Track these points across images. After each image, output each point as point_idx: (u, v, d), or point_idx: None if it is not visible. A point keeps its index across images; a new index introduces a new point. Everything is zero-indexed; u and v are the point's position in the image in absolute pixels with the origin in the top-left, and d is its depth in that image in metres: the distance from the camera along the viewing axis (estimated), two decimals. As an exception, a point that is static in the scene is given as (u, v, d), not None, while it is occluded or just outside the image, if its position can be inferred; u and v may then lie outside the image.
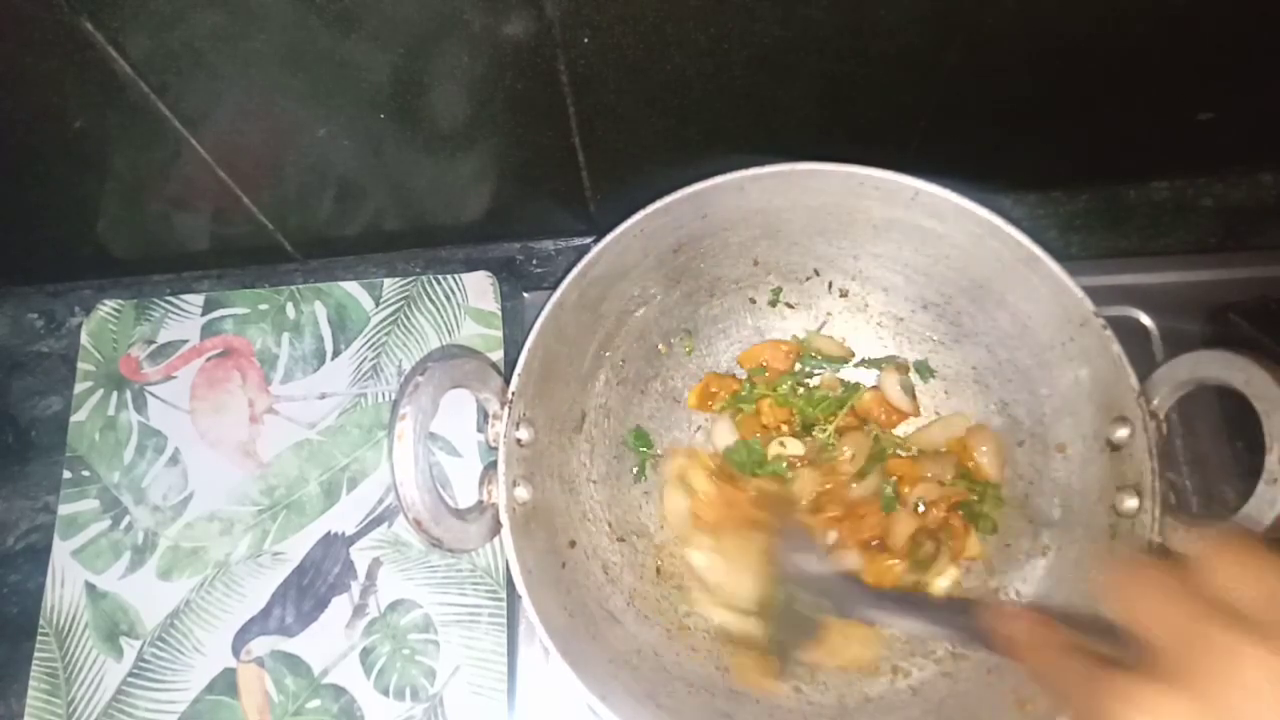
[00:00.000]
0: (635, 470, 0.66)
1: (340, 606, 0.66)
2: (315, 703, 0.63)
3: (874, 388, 0.66)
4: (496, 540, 0.53)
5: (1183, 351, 0.51)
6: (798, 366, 0.67)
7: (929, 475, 0.63)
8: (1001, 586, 0.60)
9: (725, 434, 0.66)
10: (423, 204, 0.72)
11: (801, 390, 0.66)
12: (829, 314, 0.68)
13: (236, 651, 0.65)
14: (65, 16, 0.50)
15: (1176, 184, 0.76)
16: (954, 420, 0.64)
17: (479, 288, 0.75)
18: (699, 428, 0.68)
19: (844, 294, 0.67)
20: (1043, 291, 0.55)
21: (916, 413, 0.65)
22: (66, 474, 0.70)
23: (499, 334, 0.73)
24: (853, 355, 0.67)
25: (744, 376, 0.67)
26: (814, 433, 0.65)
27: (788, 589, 0.57)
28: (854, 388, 0.66)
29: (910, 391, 0.65)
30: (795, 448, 0.64)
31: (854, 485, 0.63)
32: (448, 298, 0.74)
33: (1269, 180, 0.76)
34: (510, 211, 0.74)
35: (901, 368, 0.66)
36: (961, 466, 0.63)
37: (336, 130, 0.62)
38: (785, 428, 0.65)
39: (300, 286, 0.76)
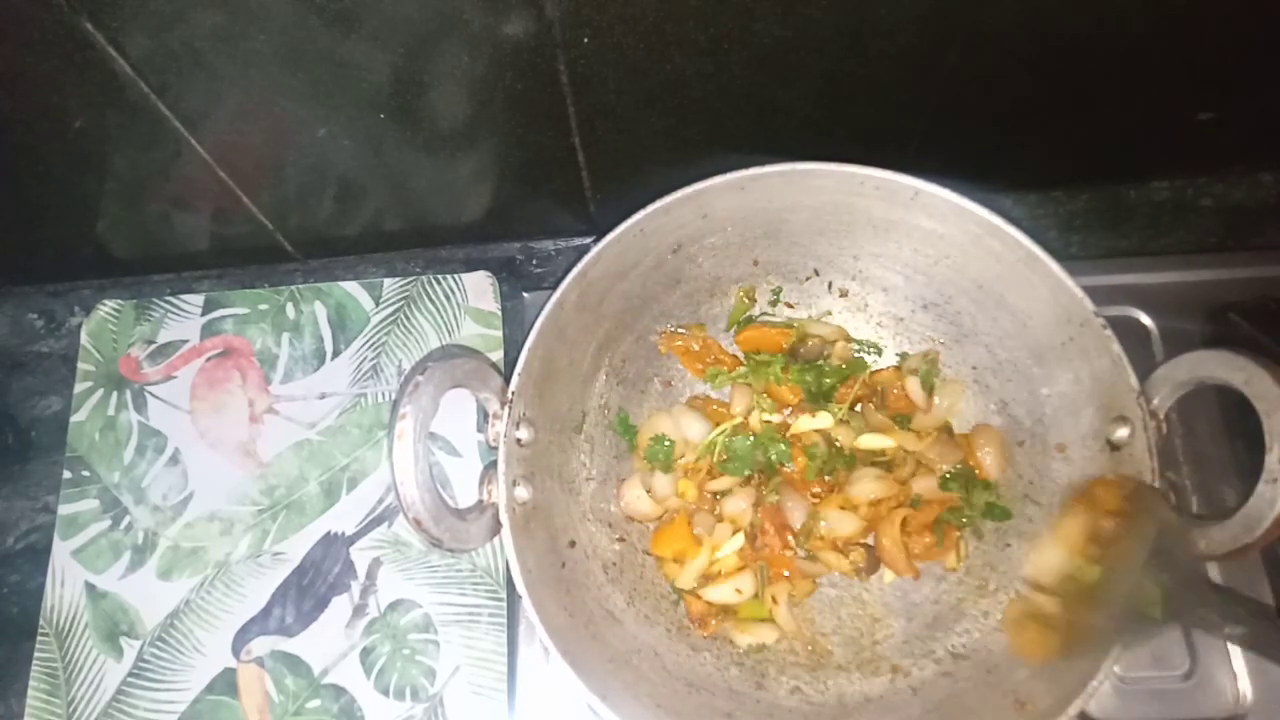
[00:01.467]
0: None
1: (340, 606, 0.66)
2: (315, 703, 0.63)
3: (895, 367, 0.66)
4: (496, 540, 0.53)
5: (1183, 351, 0.51)
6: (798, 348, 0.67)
7: (934, 458, 0.63)
8: (1001, 586, 0.60)
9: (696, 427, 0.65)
10: (423, 204, 0.72)
11: (803, 367, 0.65)
12: (829, 313, 0.68)
13: (236, 651, 0.65)
14: (65, 16, 0.50)
15: (1176, 184, 0.76)
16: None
17: (479, 288, 0.75)
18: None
19: (844, 294, 0.67)
20: (1043, 291, 0.55)
21: (928, 409, 0.64)
22: (66, 474, 0.70)
23: (499, 334, 0.73)
24: (849, 336, 0.67)
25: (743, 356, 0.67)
26: (830, 409, 0.63)
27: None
28: (862, 362, 0.66)
29: (929, 388, 0.65)
30: (819, 421, 0.63)
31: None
32: (448, 298, 0.74)
33: (1269, 180, 0.76)
34: (510, 211, 0.74)
35: (930, 358, 0.65)
36: (964, 462, 0.62)
37: (336, 130, 0.62)
38: (793, 403, 0.65)
39: (300, 286, 0.76)
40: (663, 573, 0.63)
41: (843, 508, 0.62)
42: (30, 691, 0.64)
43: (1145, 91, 0.64)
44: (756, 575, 0.62)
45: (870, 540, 0.63)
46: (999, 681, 0.54)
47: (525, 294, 0.76)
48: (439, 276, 0.75)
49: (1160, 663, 0.61)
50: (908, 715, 0.57)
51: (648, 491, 0.63)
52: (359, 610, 0.66)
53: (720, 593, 0.61)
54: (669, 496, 0.64)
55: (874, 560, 0.62)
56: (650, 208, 0.56)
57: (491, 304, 0.74)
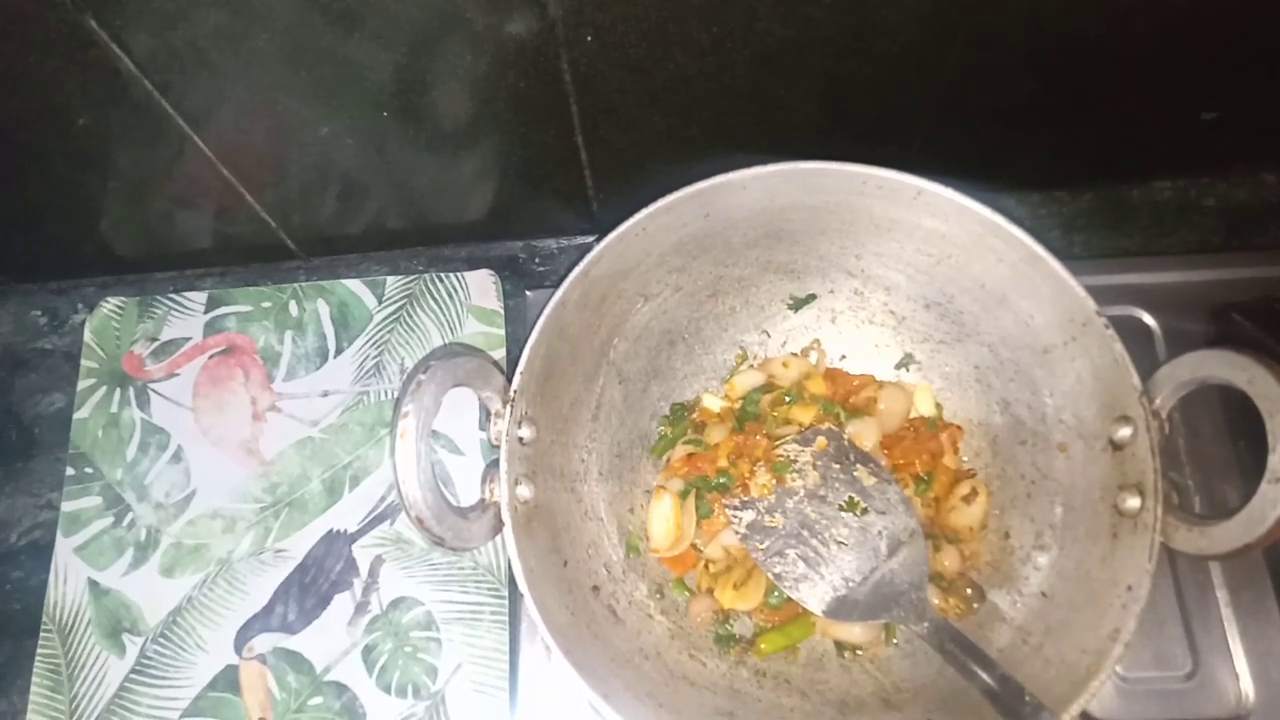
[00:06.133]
0: (637, 468, 0.66)
1: (342, 604, 0.66)
2: (317, 700, 0.63)
3: (817, 373, 0.67)
4: (498, 538, 0.53)
5: (1185, 351, 0.51)
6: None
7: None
8: (1003, 587, 0.60)
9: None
10: (425, 202, 0.72)
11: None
12: (830, 312, 0.68)
13: (239, 649, 0.65)
14: (69, 14, 0.50)
15: (1179, 184, 0.76)
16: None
17: (482, 286, 0.75)
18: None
19: (846, 293, 0.67)
20: (1045, 291, 0.55)
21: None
22: (69, 471, 0.71)
23: (501, 332, 0.73)
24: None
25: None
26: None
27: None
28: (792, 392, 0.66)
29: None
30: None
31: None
32: (450, 296, 0.74)
33: (1272, 180, 0.76)
34: (513, 210, 0.74)
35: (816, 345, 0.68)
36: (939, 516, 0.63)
37: (339, 129, 0.62)
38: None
39: (303, 284, 0.76)
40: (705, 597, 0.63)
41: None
42: (33, 688, 0.65)
43: (1148, 91, 0.64)
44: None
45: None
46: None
47: (528, 292, 0.76)
48: (441, 275, 0.75)
49: (1163, 663, 0.61)
50: (908, 715, 0.56)
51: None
52: (361, 608, 0.66)
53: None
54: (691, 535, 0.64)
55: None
56: (652, 206, 0.56)
57: (494, 302, 0.74)
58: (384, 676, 0.64)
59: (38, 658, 0.65)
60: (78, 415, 0.72)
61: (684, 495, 0.63)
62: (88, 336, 0.75)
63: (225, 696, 0.64)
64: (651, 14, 0.53)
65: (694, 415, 0.68)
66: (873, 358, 0.68)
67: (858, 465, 0.61)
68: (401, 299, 0.75)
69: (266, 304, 0.75)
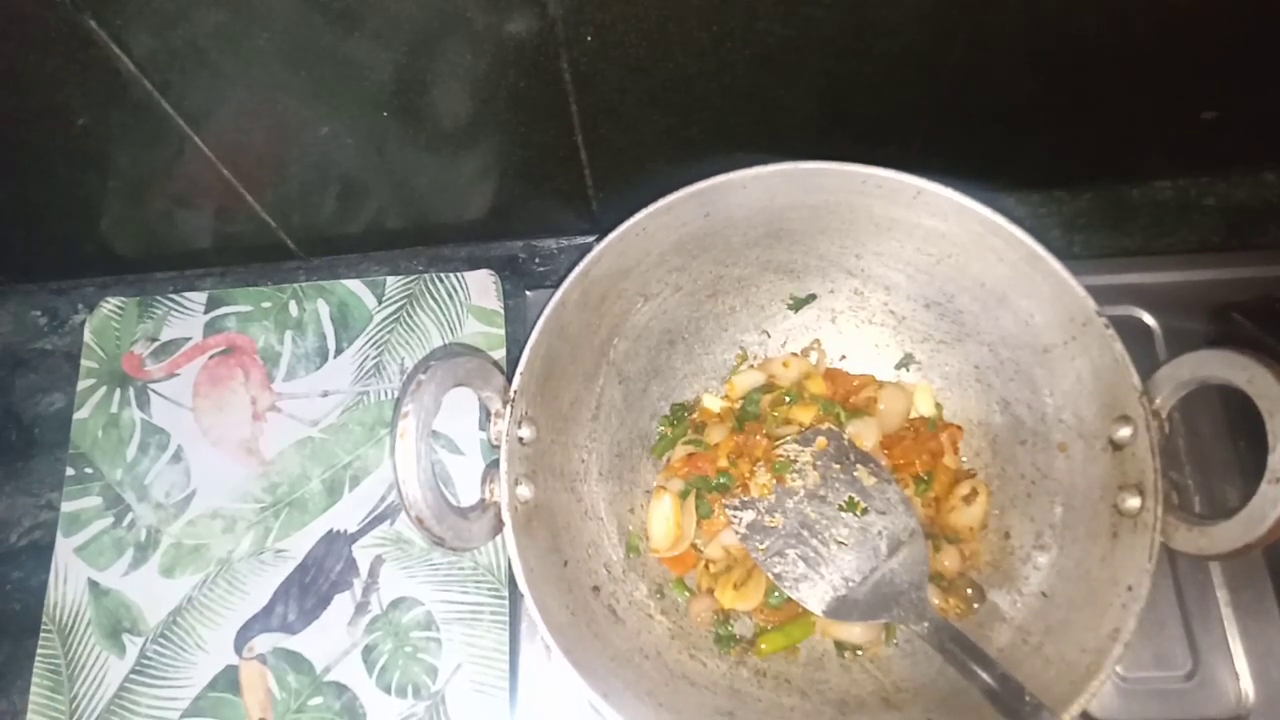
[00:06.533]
0: (637, 468, 0.66)
1: (342, 604, 0.66)
2: (317, 700, 0.63)
3: (817, 373, 0.67)
4: (498, 538, 0.53)
5: (1185, 351, 0.51)
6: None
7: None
8: (1003, 586, 0.60)
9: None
10: (425, 202, 0.72)
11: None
12: (830, 312, 0.68)
13: (239, 649, 0.65)
14: (68, 14, 0.50)
15: (1180, 183, 0.76)
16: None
17: (481, 286, 0.75)
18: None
19: (846, 293, 0.67)
20: (1045, 291, 0.55)
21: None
22: (69, 471, 0.71)
23: (501, 332, 0.73)
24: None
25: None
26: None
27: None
28: (793, 393, 0.66)
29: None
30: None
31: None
32: (450, 296, 0.74)
33: (1272, 180, 0.76)
34: (513, 210, 0.74)
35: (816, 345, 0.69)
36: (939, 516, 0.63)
37: (339, 128, 0.62)
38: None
39: (303, 284, 0.76)
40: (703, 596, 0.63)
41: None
42: (33, 688, 0.65)
43: (1148, 91, 0.64)
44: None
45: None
46: (1000, 681, 0.54)
47: (528, 292, 0.76)
48: (441, 275, 0.75)
49: (1162, 662, 0.61)
50: (908, 715, 0.57)
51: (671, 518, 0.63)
52: (361, 608, 0.66)
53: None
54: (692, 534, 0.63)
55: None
56: (652, 206, 0.56)
57: (494, 302, 0.74)
58: (384, 676, 0.64)
59: (38, 658, 0.65)
60: (78, 415, 0.72)
61: (684, 495, 0.63)
62: (88, 336, 0.75)
63: (225, 696, 0.64)
64: (651, 14, 0.53)
65: (694, 415, 0.68)
66: (873, 357, 0.68)
67: (858, 465, 0.61)
68: (401, 299, 0.75)
69: (266, 304, 0.75)
